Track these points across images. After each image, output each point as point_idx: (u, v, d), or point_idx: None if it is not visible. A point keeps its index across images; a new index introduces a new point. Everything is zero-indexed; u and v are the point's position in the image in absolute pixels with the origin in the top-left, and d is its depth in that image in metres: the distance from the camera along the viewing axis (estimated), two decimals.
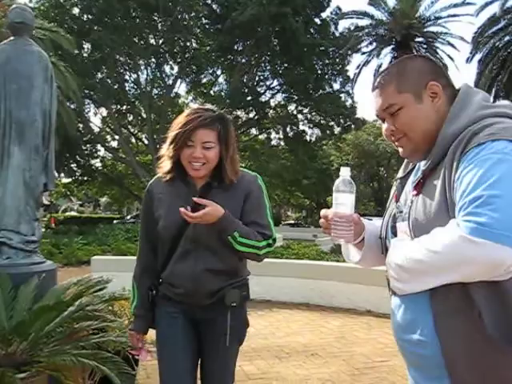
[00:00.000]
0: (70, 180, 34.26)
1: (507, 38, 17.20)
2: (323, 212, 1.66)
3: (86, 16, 25.59)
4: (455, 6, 26.67)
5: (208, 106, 2.35)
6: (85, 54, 26.37)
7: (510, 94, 17.11)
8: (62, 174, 31.92)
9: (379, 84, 1.60)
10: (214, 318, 2.33)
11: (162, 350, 2.40)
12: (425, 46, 28.39)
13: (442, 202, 1.39)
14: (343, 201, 1.60)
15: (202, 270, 2.24)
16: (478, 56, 18.08)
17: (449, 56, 27.71)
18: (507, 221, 1.19)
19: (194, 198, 2.20)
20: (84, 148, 29.58)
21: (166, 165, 2.32)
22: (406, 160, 1.73)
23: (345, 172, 1.61)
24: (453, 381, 1.39)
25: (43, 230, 21.79)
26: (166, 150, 2.31)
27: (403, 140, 1.58)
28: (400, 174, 1.73)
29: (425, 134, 1.53)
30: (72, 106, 22.88)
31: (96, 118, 28.24)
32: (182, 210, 2.13)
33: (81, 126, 26.64)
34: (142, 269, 2.47)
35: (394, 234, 1.63)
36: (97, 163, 32.83)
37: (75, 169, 30.83)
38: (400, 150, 1.62)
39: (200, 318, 2.36)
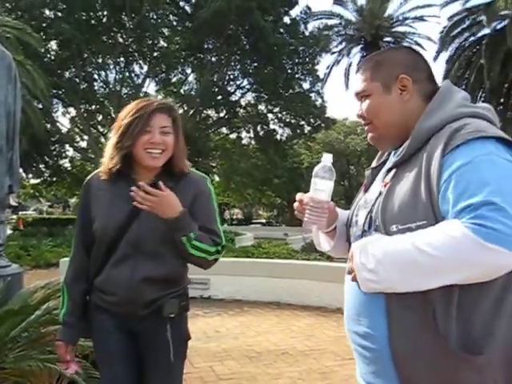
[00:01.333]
0: (38, 181, 33.70)
1: (472, 38, 17.49)
2: (299, 195, 1.65)
3: (53, 14, 25.21)
4: (422, 7, 27.09)
5: (157, 98, 2.23)
6: (52, 53, 26.00)
7: (476, 92, 17.39)
8: (30, 175, 31.41)
9: (359, 69, 1.66)
10: (152, 331, 2.14)
11: (101, 366, 2.23)
12: (393, 46, 28.74)
13: (415, 194, 1.38)
14: (321, 187, 1.58)
15: (140, 279, 2.06)
16: (444, 55, 18.37)
17: None
18: None
19: (141, 183, 1.99)
20: (52, 148, 29.12)
21: (112, 159, 2.12)
22: (380, 151, 1.75)
23: (326, 158, 1.60)
24: (399, 378, 1.39)
25: (11, 231, 21.46)
26: (115, 142, 2.11)
27: (369, 126, 1.62)
28: (373, 164, 1.74)
29: (388, 123, 1.57)
30: (40, 106, 22.52)
31: (64, 117, 27.89)
32: (133, 188, 1.95)
33: (49, 125, 26.22)
34: (75, 272, 2.24)
35: (356, 223, 1.63)
36: (65, 163, 32.36)
37: (43, 169, 30.34)
38: (368, 135, 1.65)
39: (137, 331, 2.16)
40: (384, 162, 1.69)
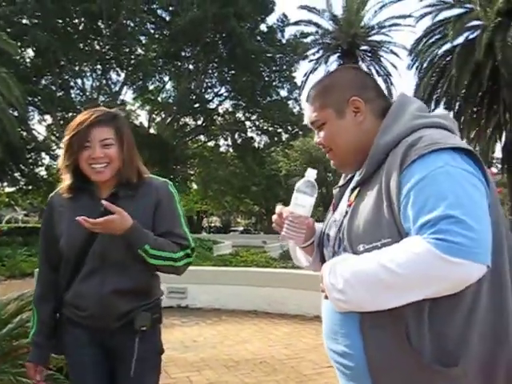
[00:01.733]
0: (13, 189, 33.23)
1: (445, 48, 17.75)
2: (279, 208, 1.64)
3: (29, 21, 24.97)
4: (398, 17, 27.41)
5: (101, 108, 2.17)
6: (28, 60, 25.75)
7: (451, 102, 17.62)
8: (5, 183, 30.94)
9: (309, 97, 1.64)
10: (122, 344, 2.10)
11: (73, 380, 2.20)
12: (369, 54, 28.99)
13: (378, 212, 1.38)
14: (302, 202, 1.56)
15: (109, 291, 2.03)
16: (417, 64, 18.59)
17: (392, 64, 28.43)
18: (479, 239, 1.20)
19: (104, 202, 1.98)
20: (28, 156, 28.76)
21: (66, 177, 2.11)
22: None
23: (310, 173, 1.59)
24: None
25: None
26: (61, 160, 2.09)
27: (330, 153, 1.62)
28: (340, 182, 1.74)
29: (348, 148, 1.56)
30: (15, 114, 22.25)
31: (41, 125, 27.51)
32: (79, 218, 1.92)
33: (24, 133, 25.90)
34: (42, 292, 2.21)
35: (328, 242, 1.63)
36: (42, 172, 31.96)
37: (19, 177, 29.91)
38: (331, 162, 1.65)
39: (109, 345, 2.13)
40: (350, 180, 1.69)
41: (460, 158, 1.33)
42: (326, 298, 1.42)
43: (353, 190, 1.56)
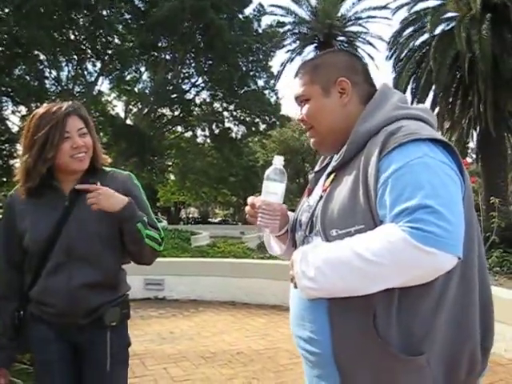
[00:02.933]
0: None
1: (422, 39, 17.86)
2: (250, 199, 1.65)
3: (1, 10, 24.51)
4: (374, 8, 27.53)
5: (59, 102, 2.19)
6: (0, 49, 25.27)
7: (427, 93, 17.76)
8: None
9: (298, 73, 1.66)
10: (92, 340, 2.10)
11: (39, 377, 2.16)
12: (346, 45, 29.08)
13: (353, 198, 1.39)
14: (273, 190, 1.58)
15: (78, 285, 2.03)
16: (395, 55, 18.68)
17: (369, 55, 28.60)
18: (453, 230, 1.23)
19: (77, 186, 2.02)
20: (2, 147, 28.35)
21: (32, 177, 2.05)
22: (322, 155, 1.77)
23: (277, 161, 1.61)
24: (342, 382, 1.41)
25: None
26: (34, 159, 2.02)
27: (311, 131, 1.64)
28: (316, 167, 1.75)
29: (329, 128, 1.58)
30: None
31: (15, 116, 27.09)
32: (79, 186, 1.99)
33: None
34: (3, 292, 2.17)
35: (300, 227, 1.64)
36: (16, 163, 31.51)
37: None
38: (310, 140, 1.67)
39: (77, 341, 2.12)
40: (326, 166, 1.71)
41: (437, 150, 1.37)
42: (296, 286, 1.43)
43: (329, 174, 1.57)
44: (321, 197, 1.55)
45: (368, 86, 1.61)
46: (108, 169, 2.24)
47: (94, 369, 2.11)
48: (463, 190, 1.38)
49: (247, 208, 1.66)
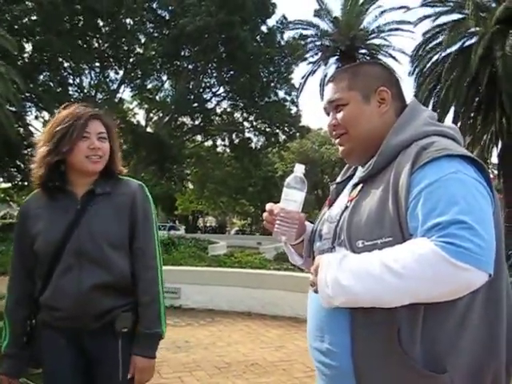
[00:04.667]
0: (9, 185, 33.14)
1: (443, 54, 17.75)
2: (269, 206, 1.63)
3: (27, 17, 24.91)
4: (398, 22, 27.47)
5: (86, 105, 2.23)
6: (26, 55, 25.67)
7: (448, 108, 17.65)
8: (1, 179, 30.87)
9: (333, 78, 1.64)
10: (104, 348, 2.06)
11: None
12: (368, 58, 29.01)
13: (382, 210, 1.37)
14: (293, 197, 1.56)
15: (88, 287, 2.00)
16: (417, 70, 18.59)
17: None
18: (486, 247, 1.21)
19: None
20: (24, 152, 28.71)
21: (41, 167, 2.09)
22: (346, 166, 1.75)
23: (298, 169, 1.59)
24: None
25: None
26: (49, 149, 2.06)
27: (344, 137, 1.59)
28: (338, 179, 1.73)
29: (365, 135, 1.55)
30: (13, 109, 22.19)
31: (38, 121, 27.54)
32: None
33: (21, 129, 25.84)
34: (16, 300, 2.16)
35: (320, 238, 1.62)
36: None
37: (15, 173, 29.86)
38: (340, 148, 1.63)
39: (88, 348, 2.08)
40: (349, 178, 1.70)
41: (469, 167, 1.35)
42: (316, 291, 1.39)
43: (355, 185, 1.55)
44: (346, 207, 1.52)
45: (400, 101, 1.61)
46: (123, 177, 2.26)
47: (106, 378, 2.08)
48: (493, 207, 1.36)
49: (265, 214, 1.64)
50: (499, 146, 17.89)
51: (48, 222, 2.06)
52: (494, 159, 20.75)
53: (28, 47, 25.62)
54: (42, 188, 2.14)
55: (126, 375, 2.08)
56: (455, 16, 17.65)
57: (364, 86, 1.56)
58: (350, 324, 1.40)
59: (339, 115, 1.58)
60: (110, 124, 2.19)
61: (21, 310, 2.15)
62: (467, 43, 17.02)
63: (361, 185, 1.52)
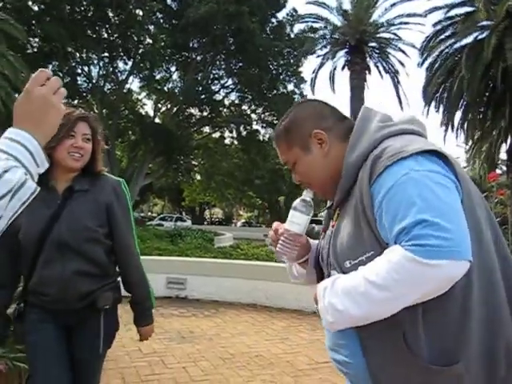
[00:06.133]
0: None
1: (455, 47, 17.57)
2: (275, 225, 1.70)
3: (36, 7, 24.92)
4: (408, 15, 27.25)
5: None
6: (35, 45, 25.70)
7: (459, 101, 17.52)
8: None
9: (275, 140, 1.70)
10: (86, 322, 2.33)
11: (35, 362, 2.30)
12: (377, 51, 28.87)
13: (357, 228, 1.43)
14: (297, 220, 1.62)
15: (70, 273, 2.23)
16: (427, 62, 18.43)
17: (400, 62, 28.33)
18: (454, 237, 1.22)
19: None
20: None
21: None
22: None
23: (306, 193, 1.65)
24: None
25: None
26: None
27: (311, 187, 1.66)
28: (328, 203, 1.77)
29: (325, 177, 1.61)
30: None
31: None
32: None
33: None
34: (1, 280, 2.34)
35: (323, 261, 1.68)
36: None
37: None
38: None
39: (72, 324, 2.33)
40: None
41: (426, 160, 1.36)
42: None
43: (334, 210, 1.62)
44: (332, 232, 1.58)
45: (343, 123, 1.64)
46: (105, 174, 2.49)
47: (87, 349, 2.33)
48: (460, 193, 1.38)
49: (271, 232, 1.71)
50: (508, 141, 17.76)
51: (30, 215, 2.16)
52: (503, 155, 20.65)
53: (36, 37, 25.67)
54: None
55: (105, 346, 2.38)
56: (466, 9, 17.49)
57: (299, 139, 1.61)
58: (357, 337, 1.45)
59: (296, 173, 1.66)
60: (96, 126, 2.41)
61: (4, 290, 2.33)
62: (480, 37, 16.85)
63: (338, 209, 1.58)
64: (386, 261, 1.28)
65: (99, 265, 2.33)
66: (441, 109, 18.26)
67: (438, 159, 1.39)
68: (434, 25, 18.30)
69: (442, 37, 17.96)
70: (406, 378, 1.38)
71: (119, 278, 2.51)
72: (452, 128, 18.21)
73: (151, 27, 27.16)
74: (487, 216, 1.46)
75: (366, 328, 1.39)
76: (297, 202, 1.64)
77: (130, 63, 27.69)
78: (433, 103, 18.23)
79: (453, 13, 17.86)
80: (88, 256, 2.27)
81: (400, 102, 27.83)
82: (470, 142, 19.31)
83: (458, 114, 18.01)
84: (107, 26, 26.03)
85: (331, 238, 1.55)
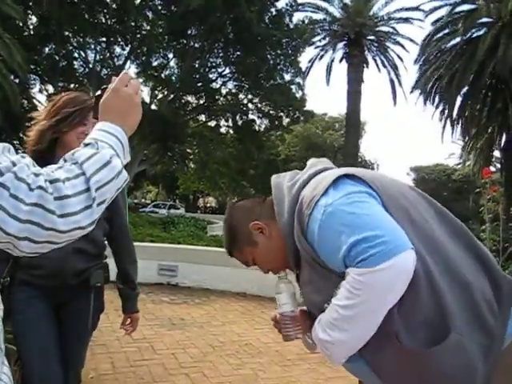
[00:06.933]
0: None
1: (452, 43, 17.59)
2: (272, 315, 1.82)
3: None
4: (407, 9, 27.20)
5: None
6: (31, 27, 25.48)
7: (455, 98, 17.54)
8: None
9: (229, 253, 1.86)
10: (78, 299, 2.42)
11: (25, 339, 2.32)
12: (376, 45, 28.84)
13: (318, 275, 1.54)
14: (284, 301, 1.73)
15: (71, 249, 2.25)
16: (423, 58, 18.44)
17: (398, 56, 28.31)
18: (387, 238, 1.34)
19: None
20: (28, 125, 28.54)
21: (41, 139, 2.35)
22: None
23: (281, 275, 1.79)
24: None
25: None
26: (50, 124, 2.34)
27: (277, 269, 1.80)
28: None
29: (281, 256, 1.71)
30: (16, 81, 22.07)
31: (42, 94, 27.46)
32: None
33: (25, 102, 25.73)
34: None
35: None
36: None
37: (17, 145, 29.82)
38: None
39: (63, 301, 2.41)
40: None
41: (335, 190, 1.50)
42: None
43: (296, 274, 1.74)
44: (301, 292, 1.72)
45: (266, 203, 1.78)
46: None
47: (75, 326, 2.41)
48: (378, 198, 1.48)
49: (273, 324, 1.81)
50: (503, 139, 17.83)
51: None
52: (496, 153, 20.70)
53: (33, 19, 25.45)
54: (36, 160, 2.30)
55: (93, 323, 2.48)
56: (467, 7, 17.48)
57: (245, 240, 1.76)
58: (360, 356, 1.53)
59: (260, 266, 1.81)
60: None
61: None
62: (475, 34, 16.86)
63: (297, 271, 1.71)
64: (345, 284, 1.40)
65: (97, 245, 2.44)
66: (437, 104, 18.29)
67: (349, 180, 1.53)
68: (434, 22, 18.30)
69: (441, 34, 17.97)
70: (411, 371, 1.47)
71: (106, 260, 2.59)
72: (451, 123, 18.26)
73: (149, 13, 26.93)
74: (416, 197, 1.60)
75: (367, 350, 1.48)
76: (275, 286, 1.76)
77: (127, 49, 27.54)
78: (429, 99, 18.27)
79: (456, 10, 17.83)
80: (89, 236, 2.28)
81: (394, 97, 27.89)
82: (466, 138, 19.36)
83: (455, 111, 18.05)
84: (105, 10, 25.83)
85: (304, 297, 1.69)
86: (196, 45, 28.18)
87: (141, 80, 32.03)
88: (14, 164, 1.08)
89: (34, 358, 2.32)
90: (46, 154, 2.33)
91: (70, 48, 26.89)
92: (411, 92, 18.86)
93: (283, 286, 1.75)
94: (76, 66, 27.52)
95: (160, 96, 30.84)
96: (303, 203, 1.52)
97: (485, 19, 16.61)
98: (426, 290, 1.42)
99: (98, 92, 1.50)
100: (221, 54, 29.73)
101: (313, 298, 1.61)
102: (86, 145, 1.21)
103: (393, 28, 28.35)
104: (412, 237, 1.40)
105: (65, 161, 1.17)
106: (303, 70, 29.77)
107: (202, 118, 32.59)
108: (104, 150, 1.17)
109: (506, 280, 1.55)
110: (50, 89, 28.15)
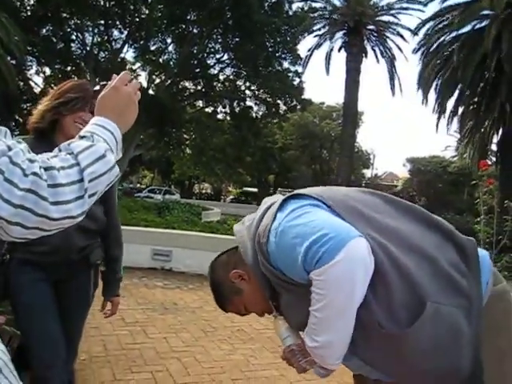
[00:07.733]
0: None
1: (452, 35, 17.51)
2: (281, 355, 1.86)
3: None
4: (407, 1, 27.10)
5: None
6: (29, 8, 25.25)
7: (453, 90, 17.51)
8: None
9: (222, 309, 2.00)
10: (77, 275, 2.53)
11: (30, 318, 2.38)
12: (375, 34, 28.75)
13: (291, 295, 1.64)
14: (285, 334, 1.80)
15: (74, 228, 2.22)
16: (423, 49, 18.38)
17: (398, 46, 28.26)
18: (332, 234, 1.43)
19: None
20: (24, 107, 28.46)
21: (43, 118, 2.45)
22: None
23: (275, 313, 1.84)
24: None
25: None
26: (53, 105, 2.44)
27: (269, 310, 1.87)
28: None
29: (266, 300, 1.80)
30: (13, 62, 21.91)
31: (38, 76, 27.33)
32: None
33: (21, 83, 25.57)
34: None
35: None
36: None
37: (13, 127, 29.67)
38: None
39: (63, 277, 2.49)
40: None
41: (281, 212, 1.62)
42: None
43: (274, 306, 1.81)
44: (284, 321, 1.81)
45: (237, 251, 1.87)
46: None
47: (75, 302, 2.52)
48: (323, 205, 1.60)
49: (286, 362, 1.85)
50: (500, 132, 17.84)
51: None
52: (493, 146, 20.71)
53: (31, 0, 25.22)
54: (36, 138, 2.45)
55: (91, 300, 2.60)
56: None
57: (230, 291, 1.87)
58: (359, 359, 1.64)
59: (252, 311, 1.92)
60: None
61: None
62: (477, 26, 16.76)
63: (274, 303, 1.80)
64: (313, 289, 1.48)
65: (97, 222, 2.53)
66: (435, 97, 18.27)
67: (292, 200, 1.65)
68: (434, 14, 18.23)
69: (440, 26, 17.90)
70: (396, 353, 1.52)
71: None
72: (449, 117, 18.25)
73: None
74: (367, 197, 1.72)
75: (356, 343, 1.55)
76: (274, 326, 1.86)
77: (125, 32, 27.34)
78: (430, 90, 18.25)
79: (452, 1, 17.78)
80: (91, 213, 2.33)
81: (392, 88, 27.85)
82: (464, 131, 19.36)
83: (451, 103, 18.05)
84: None
85: (290, 321, 1.76)
86: (195, 30, 28.01)
87: (139, 64, 31.94)
88: (10, 148, 1.07)
89: (44, 344, 2.37)
90: (45, 135, 2.43)
91: (68, 30, 26.67)
92: (418, 89, 18.69)
93: (280, 322, 1.81)
94: (73, 49, 27.32)
95: (158, 81, 30.69)
96: (259, 235, 1.64)
97: (486, 11, 16.53)
98: (393, 274, 1.48)
99: (97, 87, 1.53)
100: (219, 40, 29.56)
101: (298, 318, 1.67)
102: (82, 137, 1.23)
103: (394, 16, 28.24)
104: (367, 229, 1.51)
105: (60, 150, 1.17)
106: (302, 57, 29.66)
107: (200, 103, 32.47)
108: (99, 143, 1.21)
109: (468, 240, 1.63)
110: (47, 71, 28.01)
